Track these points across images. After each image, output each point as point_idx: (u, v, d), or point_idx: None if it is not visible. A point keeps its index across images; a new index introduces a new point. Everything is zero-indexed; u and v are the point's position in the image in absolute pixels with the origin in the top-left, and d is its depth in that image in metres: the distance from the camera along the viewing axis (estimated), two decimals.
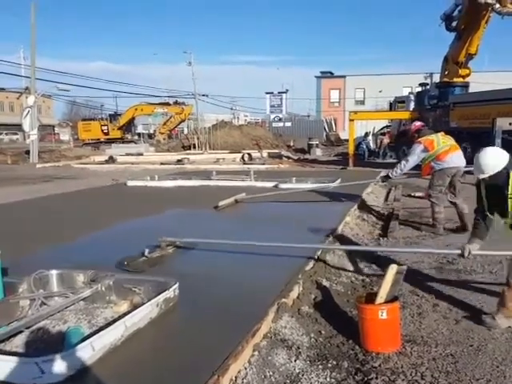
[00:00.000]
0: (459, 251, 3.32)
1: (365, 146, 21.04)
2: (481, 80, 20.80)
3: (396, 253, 4.74)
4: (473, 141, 13.92)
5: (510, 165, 3.05)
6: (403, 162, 6.15)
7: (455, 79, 15.54)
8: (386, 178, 6.63)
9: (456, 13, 15.07)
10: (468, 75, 15.56)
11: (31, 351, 2.49)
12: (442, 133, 6.41)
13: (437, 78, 18.51)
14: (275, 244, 4.36)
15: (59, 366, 2.10)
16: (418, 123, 6.55)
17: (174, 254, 4.42)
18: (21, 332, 2.67)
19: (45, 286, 3.24)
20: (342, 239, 5.17)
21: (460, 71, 15.27)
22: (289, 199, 7.66)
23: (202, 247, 4.50)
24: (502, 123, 11.08)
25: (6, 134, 46.24)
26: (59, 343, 2.51)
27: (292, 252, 4.22)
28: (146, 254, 4.18)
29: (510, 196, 3.01)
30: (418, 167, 6.32)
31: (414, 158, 5.99)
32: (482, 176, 3.10)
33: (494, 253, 3.73)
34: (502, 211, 3.11)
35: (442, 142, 6.02)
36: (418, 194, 8.95)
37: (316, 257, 4.23)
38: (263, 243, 4.37)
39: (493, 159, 3.06)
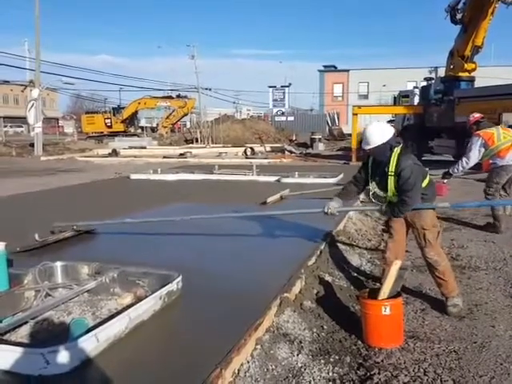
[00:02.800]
0: (322, 209, 3.65)
1: None
2: (487, 74, 20.62)
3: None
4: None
5: (394, 142, 3.25)
6: (464, 159, 5.70)
7: (461, 73, 15.42)
8: (447, 175, 6.00)
9: (461, 5, 14.93)
10: (474, 69, 15.43)
11: (36, 342, 2.51)
12: (503, 125, 5.97)
13: (442, 73, 18.38)
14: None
15: (64, 357, 2.12)
16: (476, 115, 6.05)
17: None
18: (26, 323, 2.69)
19: (50, 278, 3.26)
20: (345, 234, 5.16)
21: (466, 65, 15.15)
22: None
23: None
24: (508, 118, 10.98)
25: (11, 126, 46.30)
26: (64, 334, 2.52)
27: (294, 247, 4.22)
28: (37, 238, 4.28)
29: (390, 173, 3.24)
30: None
31: (474, 153, 5.59)
32: (366, 147, 3.29)
33: (352, 208, 4.22)
34: (383, 186, 3.34)
35: (502, 136, 5.57)
36: None
37: (319, 251, 4.23)
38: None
39: (376, 132, 3.24)
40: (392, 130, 3.32)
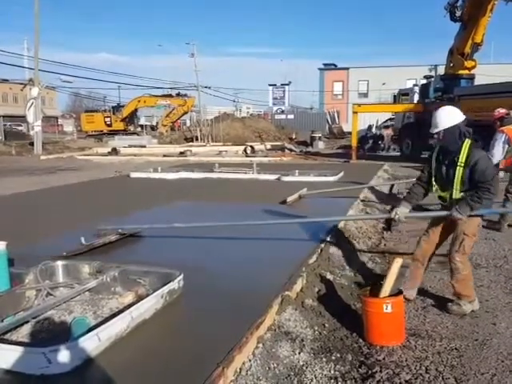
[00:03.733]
0: (389, 215, 3.48)
1: (371, 141, 20.95)
2: (486, 72, 20.61)
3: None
4: (478, 134, 13.84)
5: (465, 129, 3.12)
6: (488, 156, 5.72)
7: (460, 71, 15.42)
8: None
9: (460, 2, 14.92)
10: (474, 67, 15.43)
11: (37, 341, 2.51)
12: None
13: (442, 71, 18.36)
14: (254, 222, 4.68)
15: (66, 356, 2.12)
16: (502, 110, 5.92)
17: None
18: (27, 322, 2.69)
19: (51, 277, 3.26)
20: (346, 232, 5.16)
21: (465, 63, 15.15)
22: None
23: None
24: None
25: (10, 125, 46.27)
26: (65, 333, 2.52)
27: (295, 246, 4.22)
28: (83, 242, 4.19)
29: (459, 164, 3.06)
30: None
31: (498, 150, 5.48)
32: (435, 130, 3.16)
33: (422, 214, 3.79)
34: (448, 180, 3.15)
35: None
36: None
37: (320, 250, 4.23)
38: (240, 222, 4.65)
39: (445, 114, 3.13)
40: (462, 115, 3.16)
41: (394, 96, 19.68)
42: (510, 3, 13.24)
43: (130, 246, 4.51)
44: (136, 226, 4.79)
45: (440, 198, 3.32)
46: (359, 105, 18.25)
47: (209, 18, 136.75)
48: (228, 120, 31.66)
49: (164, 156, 19.09)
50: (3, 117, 34.22)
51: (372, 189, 8.53)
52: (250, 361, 2.38)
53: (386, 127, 21.56)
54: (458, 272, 3.19)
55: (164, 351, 2.35)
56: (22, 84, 34.09)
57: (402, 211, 3.37)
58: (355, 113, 17.02)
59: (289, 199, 6.76)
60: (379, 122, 22.91)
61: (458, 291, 3.23)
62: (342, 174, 9.80)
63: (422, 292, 3.62)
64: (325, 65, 48.55)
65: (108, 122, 33.42)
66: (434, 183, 3.28)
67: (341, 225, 5.24)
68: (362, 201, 7.14)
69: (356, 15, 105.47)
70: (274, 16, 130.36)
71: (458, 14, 14.95)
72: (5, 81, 47.74)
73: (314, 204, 6.74)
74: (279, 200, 7.15)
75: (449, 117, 3.11)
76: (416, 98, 17.48)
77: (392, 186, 9.64)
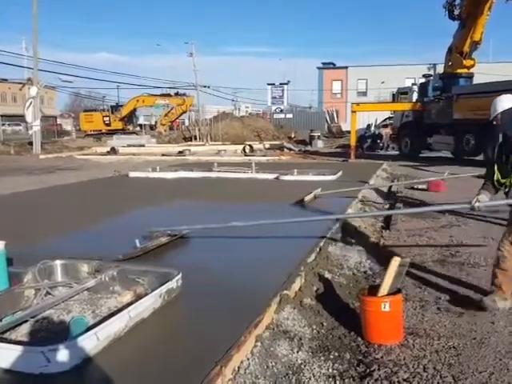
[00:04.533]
0: (469, 204, 3.32)
1: (369, 140, 20.96)
2: (485, 71, 20.61)
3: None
4: (476, 132, 13.88)
5: None
6: None
7: (459, 70, 15.43)
8: None
9: (458, 1, 14.95)
10: (472, 66, 15.44)
11: (36, 340, 2.51)
12: None
13: (440, 69, 18.38)
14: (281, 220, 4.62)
15: (65, 355, 2.12)
16: None
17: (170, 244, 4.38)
18: (26, 321, 2.69)
19: (49, 276, 3.26)
20: (344, 231, 5.17)
21: (464, 62, 15.16)
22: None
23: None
24: None
25: (9, 124, 46.19)
26: (64, 333, 2.52)
27: (294, 245, 4.23)
28: (138, 244, 4.06)
29: None
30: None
31: None
32: (492, 116, 3.16)
33: (502, 202, 3.51)
34: (505, 169, 3.14)
35: None
36: (420, 187, 8.93)
37: (318, 249, 4.23)
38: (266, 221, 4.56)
39: (502, 99, 3.16)
40: None
41: (393, 95, 19.70)
42: (509, 1, 13.27)
43: (179, 247, 4.40)
44: (187, 227, 4.59)
45: (502, 185, 3.27)
46: (358, 104, 18.26)
47: (208, 17, 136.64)
48: (227, 119, 31.65)
49: (163, 155, 19.09)
50: (2, 116, 34.18)
51: (373, 188, 8.55)
52: (248, 359, 2.39)
53: (385, 126, 21.58)
54: (503, 261, 3.15)
55: (162, 350, 2.36)
56: (20, 83, 34.04)
57: (483, 199, 3.28)
58: (354, 112, 17.03)
59: (306, 199, 6.72)
60: (378, 121, 22.92)
61: (499, 282, 3.19)
62: (340, 173, 9.81)
63: (420, 291, 3.63)
64: (323, 64, 48.55)
65: (107, 122, 33.40)
66: (496, 170, 3.24)
67: (339, 224, 5.25)
68: (360, 201, 7.15)
69: (355, 14, 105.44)
70: (272, 15, 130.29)
71: (457, 12, 14.97)
72: (4, 80, 47.68)
73: (332, 204, 6.67)
74: (279, 199, 7.17)
75: (505, 101, 3.15)
76: (415, 96, 17.49)
77: (391, 185, 9.66)
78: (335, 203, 6.71)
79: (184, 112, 34.18)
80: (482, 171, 6.13)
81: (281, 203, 6.69)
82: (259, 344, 2.54)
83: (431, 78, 18.68)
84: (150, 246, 4.13)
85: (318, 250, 4.21)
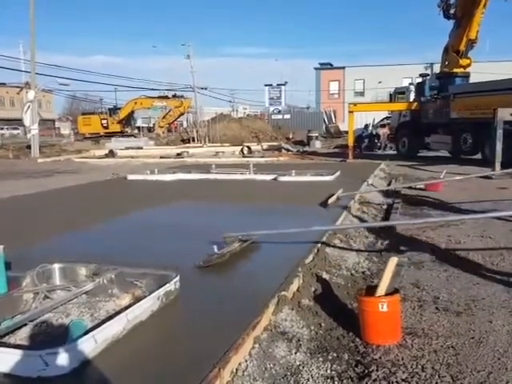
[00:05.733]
0: None
1: (367, 140, 20.99)
2: (481, 70, 20.67)
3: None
4: (473, 131, 13.92)
5: None
6: None
7: (455, 69, 15.47)
8: None
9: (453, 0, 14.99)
10: (469, 65, 15.48)
11: (35, 344, 2.51)
12: None
13: (437, 69, 18.42)
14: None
15: (63, 359, 2.12)
16: None
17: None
18: (25, 325, 2.69)
19: (48, 280, 3.26)
20: (342, 232, 5.17)
21: (460, 61, 15.20)
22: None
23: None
24: (503, 114, 11.03)
25: (7, 128, 46.17)
26: (62, 336, 2.52)
27: (292, 245, 4.23)
28: (216, 250, 3.98)
29: None
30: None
31: None
32: None
33: None
34: None
35: None
36: (418, 186, 8.94)
37: (316, 250, 4.24)
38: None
39: None
40: None
41: (390, 95, 19.72)
42: (509, 0, 13.33)
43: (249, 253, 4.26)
44: (257, 232, 4.41)
45: None
46: (355, 104, 18.28)
47: (205, 19, 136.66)
48: (225, 121, 31.68)
49: (161, 157, 19.08)
50: (0, 120, 34.14)
51: (371, 188, 8.56)
52: (246, 361, 2.39)
53: (383, 126, 21.61)
54: None
55: (160, 352, 2.36)
56: (18, 87, 34.02)
57: None
58: (351, 112, 17.04)
59: (330, 201, 6.66)
60: (376, 121, 22.96)
61: None
62: (338, 173, 9.83)
63: (418, 291, 3.64)
64: (321, 64, 48.65)
65: (105, 124, 33.40)
66: None
67: (337, 223, 5.25)
68: (360, 202, 7.16)
69: (352, 14, 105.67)
70: (270, 16, 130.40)
71: (452, 11, 15.01)
72: (1, 84, 47.63)
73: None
74: (277, 200, 7.18)
75: None
76: (412, 96, 17.52)
77: (389, 184, 9.68)
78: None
79: (182, 114, 34.22)
80: (483, 171, 6.18)
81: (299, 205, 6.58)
82: (257, 346, 2.54)
83: (428, 77, 18.71)
84: (226, 251, 4.01)
85: (315, 250, 4.21)
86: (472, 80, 15.84)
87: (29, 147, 22.13)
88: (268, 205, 6.81)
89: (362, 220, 6.20)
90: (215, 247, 3.99)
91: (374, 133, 21.33)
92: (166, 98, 34.03)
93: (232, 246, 4.11)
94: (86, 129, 34.37)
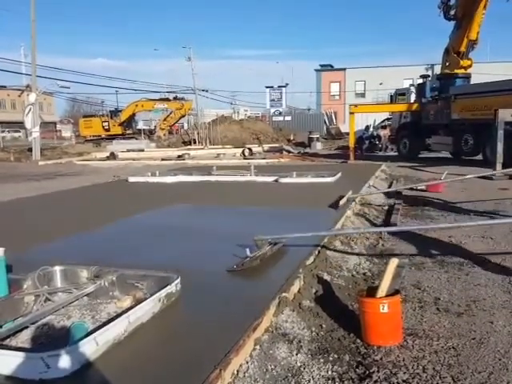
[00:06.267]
0: None
1: (367, 142, 21.01)
2: (482, 71, 20.68)
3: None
4: (474, 132, 13.92)
5: None
6: None
7: (456, 70, 15.49)
8: None
9: (453, 0, 15.00)
10: (470, 66, 15.49)
11: (36, 346, 2.52)
12: None
13: (438, 70, 18.43)
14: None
15: (65, 361, 2.13)
16: None
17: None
18: (26, 328, 2.70)
19: (49, 282, 3.26)
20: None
21: (461, 62, 15.22)
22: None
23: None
24: (504, 114, 11.03)
25: (8, 131, 46.30)
26: (64, 338, 2.53)
27: (292, 246, 4.24)
28: (248, 254, 3.90)
29: None
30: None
31: None
32: None
33: None
34: None
35: None
36: (420, 187, 8.94)
37: (317, 251, 4.24)
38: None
39: None
40: None
41: (391, 96, 19.74)
42: (510, 0, 13.35)
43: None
44: (286, 235, 4.33)
45: None
46: (356, 105, 18.30)
47: (205, 21, 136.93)
48: (226, 122, 31.72)
49: (162, 160, 19.12)
50: (1, 123, 34.27)
51: (371, 188, 8.56)
52: (247, 363, 2.39)
53: (383, 127, 21.63)
54: None
55: (161, 354, 2.36)
56: (19, 90, 34.15)
57: None
58: (352, 113, 17.06)
59: (341, 203, 6.63)
60: (376, 122, 22.97)
61: None
62: (339, 174, 9.83)
63: (419, 292, 3.64)
64: (321, 66, 48.73)
65: (106, 127, 33.50)
66: None
67: (338, 226, 5.25)
68: (360, 204, 7.16)
69: (353, 16, 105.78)
70: (270, 18, 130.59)
71: (452, 12, 15.03)
72: (3, 87, 47.81)
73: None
74: (278, 201, 7.18)
75: None
76: (413, 97, 17.54)
77: (390, 185, 9.69)
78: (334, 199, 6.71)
79: (183, 116, 34.34)
80: (483, 171, 6.18)
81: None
82: (258, 347, 2.54)
83: (429, 78, 18.72)
84: (259, 254, 3.95)
85: (316, 252, 4.21)
86: (473, 81, 15.85)
87: (30, 150, 22.20)
88: (269, 206, 6.82)
89: (362, 220, 6.20)
90: (247, 250, 3.90)
91: (375, 134, 21.36)
92: (167, 100, 34.13)
93: (263, 249, 4.04)
94: (87, 131, 34.48)
